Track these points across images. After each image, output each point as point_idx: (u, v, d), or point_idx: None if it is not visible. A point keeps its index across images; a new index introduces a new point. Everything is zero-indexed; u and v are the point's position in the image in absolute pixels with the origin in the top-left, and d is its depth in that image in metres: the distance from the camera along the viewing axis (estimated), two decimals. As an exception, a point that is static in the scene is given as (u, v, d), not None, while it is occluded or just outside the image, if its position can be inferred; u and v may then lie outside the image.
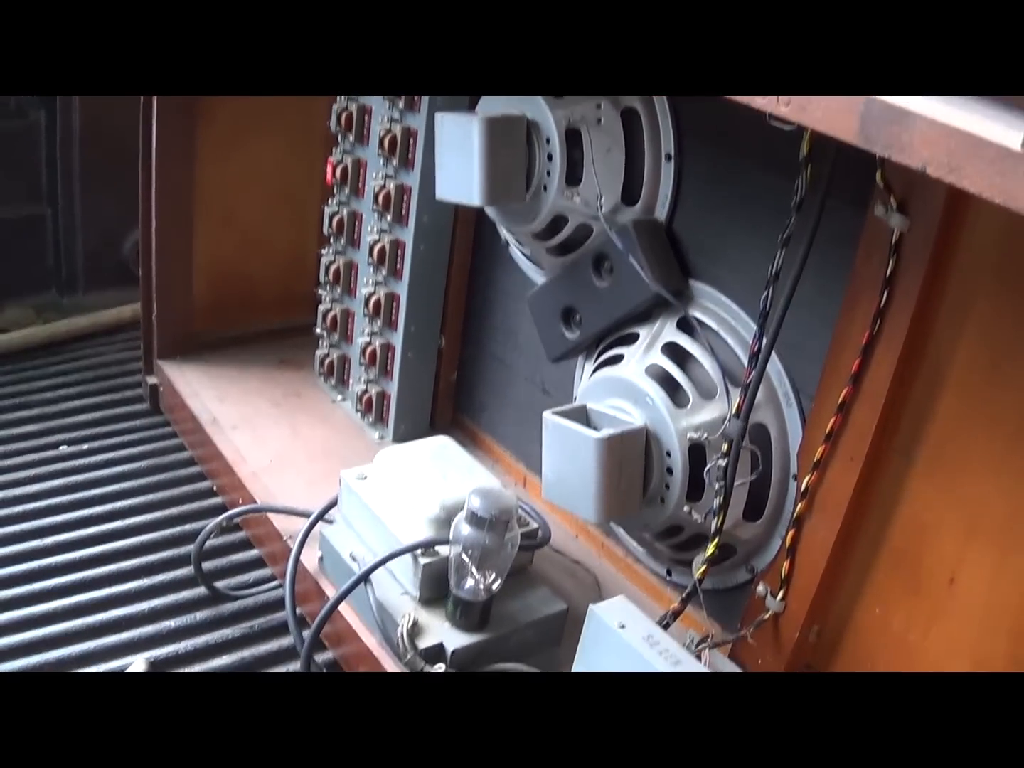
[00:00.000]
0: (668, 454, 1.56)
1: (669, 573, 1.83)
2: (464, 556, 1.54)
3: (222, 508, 2.12)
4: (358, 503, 1.74)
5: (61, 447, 2.32)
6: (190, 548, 1.92)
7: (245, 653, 1.84)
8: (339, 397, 2.33)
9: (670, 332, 1.64)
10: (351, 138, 2.12)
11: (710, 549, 1.55)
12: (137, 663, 1.76)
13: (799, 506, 1.52)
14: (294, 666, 1.80)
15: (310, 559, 1.81)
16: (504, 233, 2.01)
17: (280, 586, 1.91)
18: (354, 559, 1.71)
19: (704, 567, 1.56)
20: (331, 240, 2.24)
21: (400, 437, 2.19)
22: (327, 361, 2.33)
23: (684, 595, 1.61)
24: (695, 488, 1.57)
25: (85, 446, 2.34)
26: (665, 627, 1.57)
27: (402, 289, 2.08)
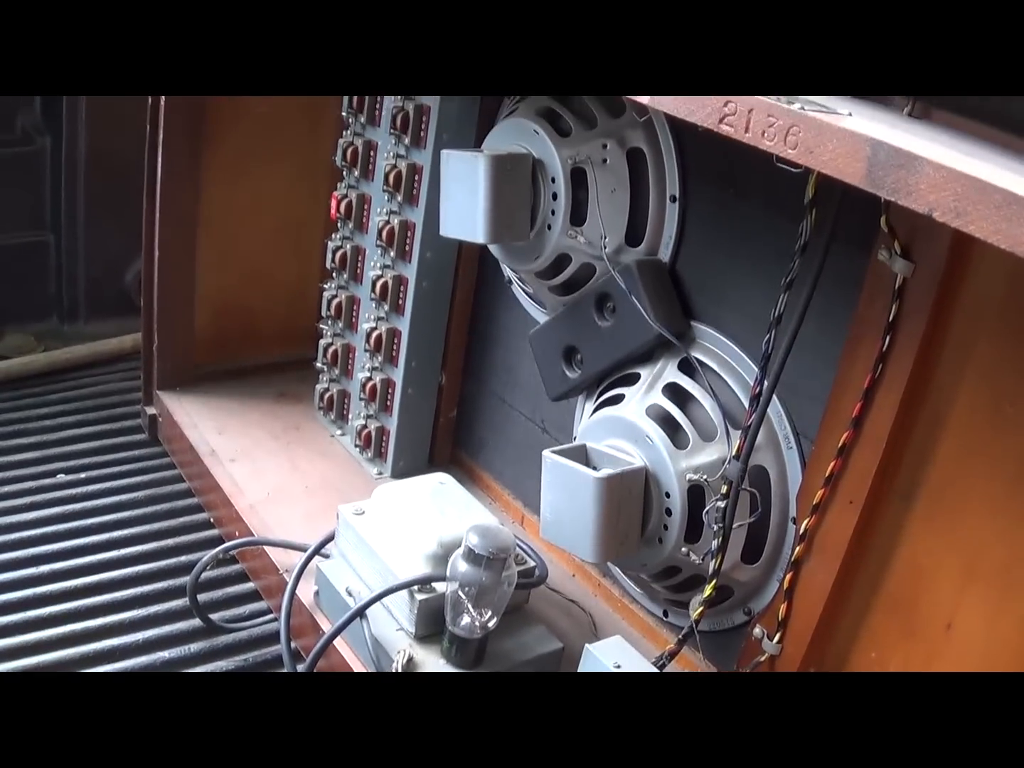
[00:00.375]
0: (667, 495, 1.56)
1: (666, 614, 1.83)
2: (461, 593, 1.54)
3: (219, 540, 2.12)
4: (355, 538, 1.74)
5: (59, 475, 2.32)
6: (186, 579, 1.91)
7: (239, 686, 1.83)
8: (338, 432, 2.33)
9: (671, 373, 1.64)
10: (356, 173, 2.13)
11: (707, 590, 1.54)
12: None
13: (797, 549, 1.52)
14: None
15: (306, 593, 1.81)
16: (507, 271, 2.01)
17: (275, 620, 1.90)
18: (350, 594, 1.70)
19: (701, 608, 1.56)
20: (333, 274, 2.24)
21: (398, 473, 2.19)
22: (327, 395, 2.32)
23: (680, 636, 1.61)
24: (694, 529, 1.57)
25: (83, 475, 2.33)
26: (661, 668, 1.57)
27: (403, 325, 2.08)
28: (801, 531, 1.51)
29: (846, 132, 0.95)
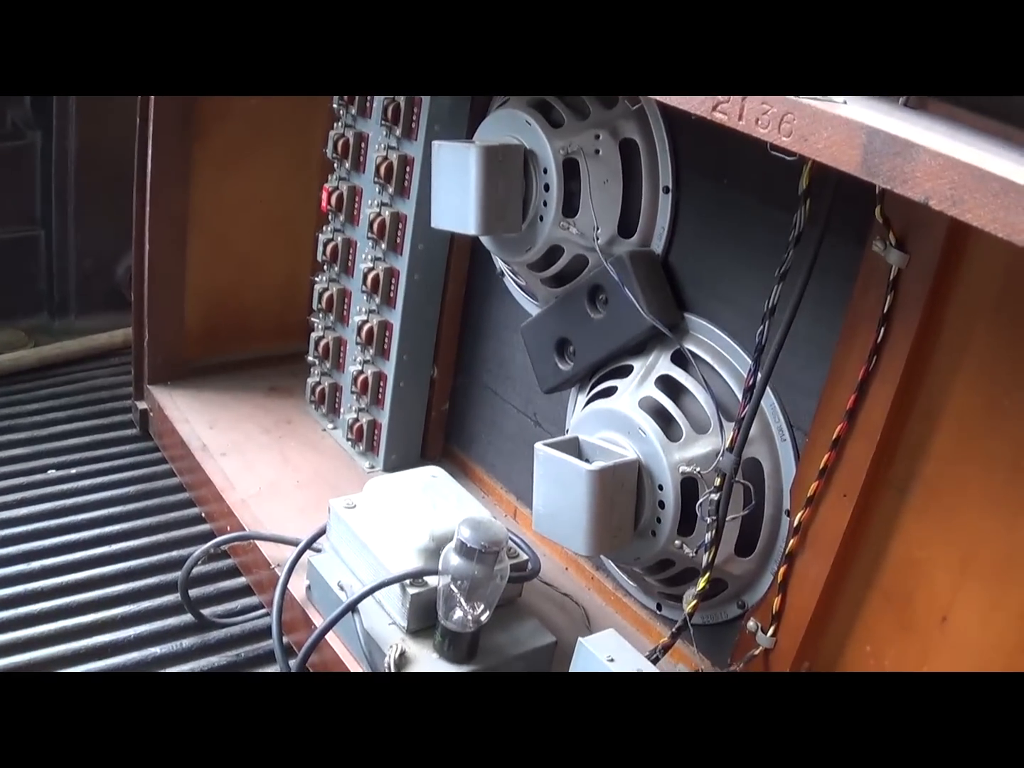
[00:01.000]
0: (660, 487, 1.55)
1: (659, 607, 1.82)
2: (453, 587, 1.53)
3: (210, 535, 2.11)
4: (347, 532, 1.73)
5: (49, 471, 2.31)
6: (177, 575, 1.91)
7: (230, 681, 1.82)
8: (330, 425, 2.32)
9: (664, 365, 1.63)
10: (347, 165, 2.12)
11: (701, 584, 1.54)
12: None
13: (791, 542, 1.51)
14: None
15: (298, 588, 1.80)
16: (499, 263, 2.00)
17: (267, 614, 1.90)
18: (342, 588, 1.69)
19: (695, 602, 1.55)
20: (325, 267, 2.23)
21: (391, 467, 2.18)
22: (318, 389, 2.32)
23: (674, 629, 1.60)
24: (687, 522, 1.56)
25: (73, 470, 2.32)
26: (654, 661, 1.57)
27: (395, 318, 2.07)
28: (795, 524, 1.50)
29: (841, 119, 0.94)
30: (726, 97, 1.04)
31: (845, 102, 1.01)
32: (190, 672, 1.82)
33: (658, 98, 1.14)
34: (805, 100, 0.97)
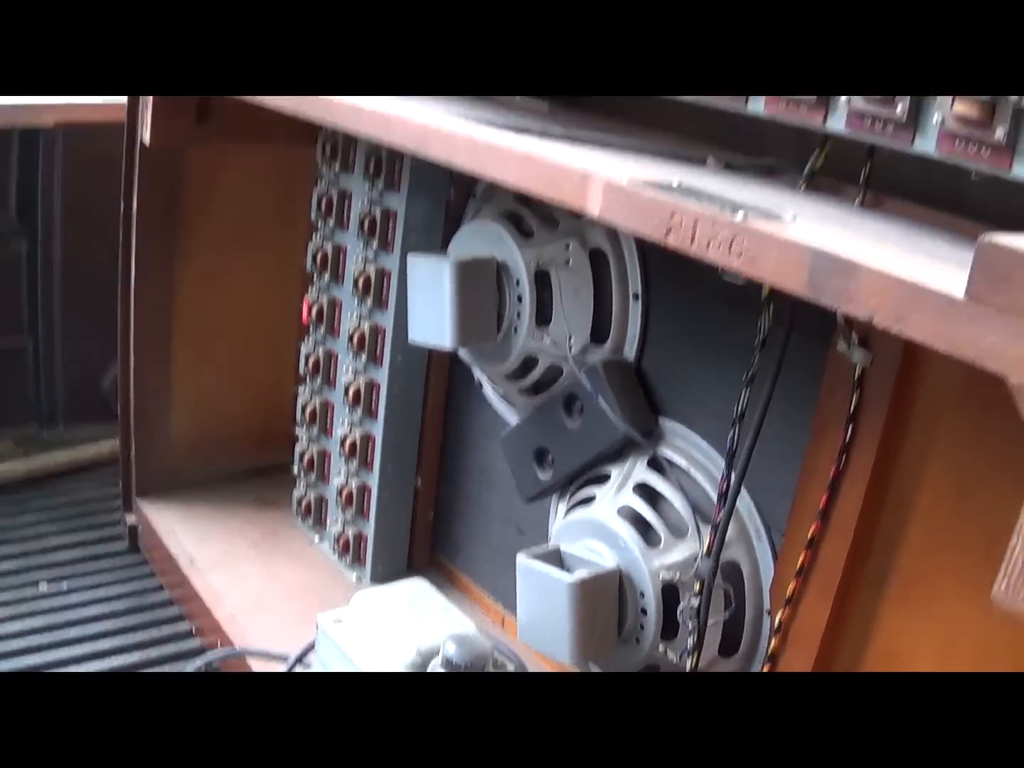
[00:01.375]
0: (642, 595, 1.56)
1: (648, 710, 1.82)
2: (440, 701, 1.53)
3: (200, 650, 2.11)
4: (334, 647, 1.73)
5: (41, 585, 2.31)
6: (168, 692, 1.90)
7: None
8: (316, 538, 2.32)
9: (640, 472, 1.64)
10: (327, 277, 2.14)
11: (686, 687, 1.54)
12: None
13: (773, 642, 1.51)
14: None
15: (288, 703, 1.80)
16: (477, 374, 2.02)
17: (258, 731, 1.89)
18: (331, 703, 1.69)
19: (681, 705, 1.55)
20: (307, 380, 2.25)
21: (378, 578, 2.18)
22: (304, 502, 2.32)
23: (663, 734, 1.60)
24: (670, 627, 1.56)
25: (65, 585, 2.32)
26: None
27: (377, 430, 2.08)
28: (776, 624, 1.50)
29: (789, 243, 0.95)
30: (678, 221, 1.06)
31: (795, 218, 1.03)
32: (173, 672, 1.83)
33: (614, 224, 1.16)
34: (753, 224, 0.99)
